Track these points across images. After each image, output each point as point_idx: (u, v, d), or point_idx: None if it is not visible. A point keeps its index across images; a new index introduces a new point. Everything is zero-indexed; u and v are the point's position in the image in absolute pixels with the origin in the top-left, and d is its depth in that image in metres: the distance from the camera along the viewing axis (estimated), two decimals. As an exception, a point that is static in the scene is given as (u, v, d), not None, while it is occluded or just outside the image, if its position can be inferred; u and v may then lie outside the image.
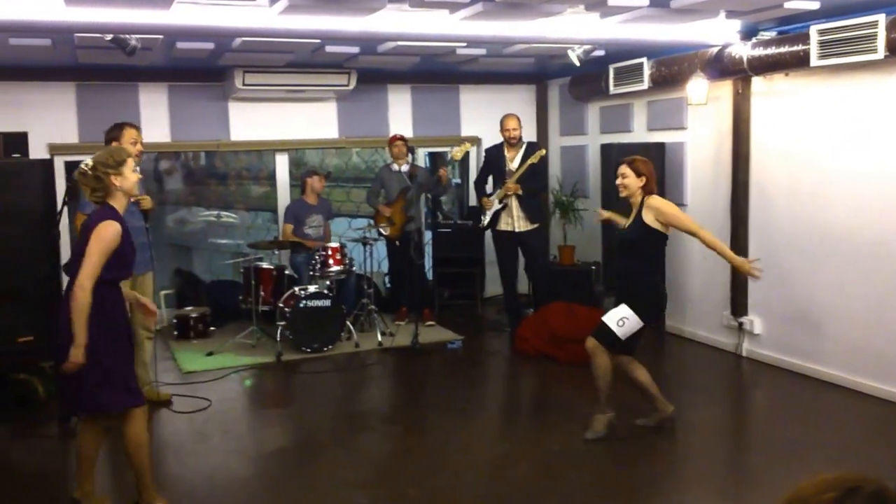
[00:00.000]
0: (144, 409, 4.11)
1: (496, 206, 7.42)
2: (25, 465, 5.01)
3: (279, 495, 4.47)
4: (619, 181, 4.92)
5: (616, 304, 4.98)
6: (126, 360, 4.04)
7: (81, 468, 4.07)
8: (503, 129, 7.46)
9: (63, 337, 3.79)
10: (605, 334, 4.92)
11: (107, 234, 3.79)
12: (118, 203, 3.94)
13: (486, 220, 7.48)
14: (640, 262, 5.00)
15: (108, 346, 3.86)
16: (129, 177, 3.95)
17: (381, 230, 8.01)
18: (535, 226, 7.48)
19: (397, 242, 7.98)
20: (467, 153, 7.77)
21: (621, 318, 4.88)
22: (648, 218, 4.85)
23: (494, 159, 7.54)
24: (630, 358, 5.07)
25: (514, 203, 7.39)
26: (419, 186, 7.92)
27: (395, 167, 8.11)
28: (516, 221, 7.41)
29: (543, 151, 7.41)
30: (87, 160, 3.95)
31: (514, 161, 7.41)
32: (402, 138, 8.20)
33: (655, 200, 4.89)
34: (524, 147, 7.44)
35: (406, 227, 7.83)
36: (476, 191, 7.78)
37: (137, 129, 5.73)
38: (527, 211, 7.41)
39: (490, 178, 7.63)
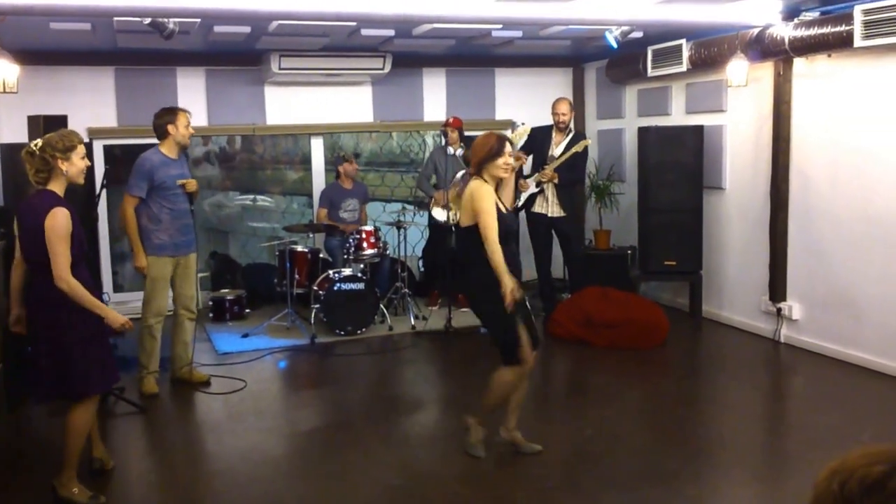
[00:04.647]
0: (96, 398, 4.11)
1: (532, 188, 7.37)
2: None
3: (313, 474, 4.51)
4: (510, 162, 4.34)
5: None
6: (102, 341, 4.02)
7: (77, 452, 4.03)
8: (553, 112, 7.37)
9: (34, 325, 3.89)
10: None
11: (61, 222, 3.74)
12: (59, 187, 3.86)
13: (521, 202, 7.35)
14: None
15: (77, 329, 3.86)
16: (77, 163, 3.87)
17: (436, 216, 7.78)
18: (567, 214, 7.44)
19: (452, 229, 7.82)
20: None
21: None
22: None
23: (539, 140, 7.41)
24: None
25: (550, 189, 7.36)
26: None
27: (451, 150, 7.81)
28: (550, 207, 7.41)
29: (588, 142, 7.34)
30: (38, 140, 3.86)
31: (558, 147, 7.34)
32: (456, 122, 7.85)
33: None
34: (571, 135, 7.37)
35: None
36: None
37: (189, 113, 5.76)
38: (561, 199, 7.38)
39: (530, 159, 7.50)
